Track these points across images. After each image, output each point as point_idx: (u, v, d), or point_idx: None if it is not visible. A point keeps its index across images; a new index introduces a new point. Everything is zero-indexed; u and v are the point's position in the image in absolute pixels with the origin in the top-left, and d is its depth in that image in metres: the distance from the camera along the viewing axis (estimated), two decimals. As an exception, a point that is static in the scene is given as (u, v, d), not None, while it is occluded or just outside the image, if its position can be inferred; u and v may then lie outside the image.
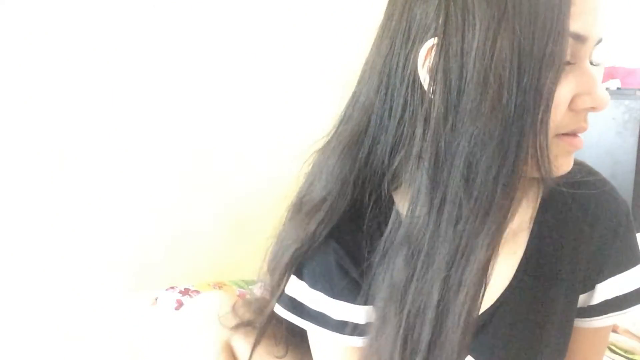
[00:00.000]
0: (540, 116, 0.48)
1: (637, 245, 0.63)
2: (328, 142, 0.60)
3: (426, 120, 0.51)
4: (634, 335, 1.16)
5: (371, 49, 0.57)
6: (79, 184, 1.21)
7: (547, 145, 0.49)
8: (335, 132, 0.60)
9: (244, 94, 1.39)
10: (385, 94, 0.54)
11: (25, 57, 1.13)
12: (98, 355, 1.18)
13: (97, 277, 1.24)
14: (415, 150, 0.52)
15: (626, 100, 1.71)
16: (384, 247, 0.57)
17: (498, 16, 0.47)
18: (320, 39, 1.44)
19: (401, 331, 0.55)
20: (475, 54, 0.47)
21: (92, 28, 1.19)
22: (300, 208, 0.61)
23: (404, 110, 0.54)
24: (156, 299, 1.16)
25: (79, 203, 1.21)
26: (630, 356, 1.10)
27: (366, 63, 0.57)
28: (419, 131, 0.52)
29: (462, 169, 0.49)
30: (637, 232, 0.65)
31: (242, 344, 0.77)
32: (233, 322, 0.75)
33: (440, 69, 0.49)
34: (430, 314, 0.53)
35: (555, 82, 0.48)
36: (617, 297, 0.63)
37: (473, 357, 0.60)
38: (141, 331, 1.11)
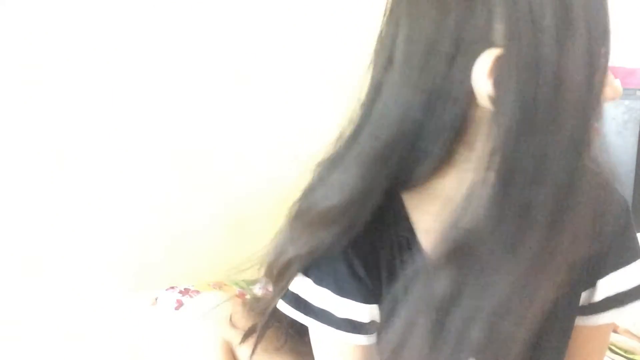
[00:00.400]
0: (597, 113, 0.51)
1: (637, 240, 0.63)
2: (346, 151, 0.59)
3: (490, 131, 0.50)
4: (634, 335, 1.16)
5: (392, 63, 0.55)
6: (79, 184, 1.21)
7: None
8: (354, 142, 0.58)
9: (243, 94, 1.39)
10: (426, 108, 0.53)
11: (25, 57, 1.13)
12: (98, 355, 1.18)
13: (97, 277, 1.24)
14: (476, 164, 0.52)
15: (626, 100, 1.71)
16: (413, 257, 0.57)
17: (564, 22, 0.48)
18: (320, 39, 1.44)
19: (443, 343, 0.54)
20: (547, 60, 0.47)
21: (92, 28, 1.19)
22: (311, 215, 0.60)
23: (445, 123, 0.53)
24: (156, 299, 1.16)
25: (79, 203, 1.21)
26: (630, 356, 1.10)
27: (389, 76, 0.55)
28: (477, 144, 0.52)
29: (534, 176, 0.49)
30: (638, 232, 0.65)
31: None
32: (237, 337, 0.75)
33: (511, 79, 0.48)
34: (480, 325, 0.53)
35: (605, 79, 0.51)
36: (618, 293, 0.63)
37: (476, 358, 0.60)
38: (141, 331, 1.10)
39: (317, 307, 0.62)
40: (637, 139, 1.71)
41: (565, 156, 0.49)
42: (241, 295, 1.20)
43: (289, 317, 0.65)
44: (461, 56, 0.50)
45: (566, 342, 0.65)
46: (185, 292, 1.18)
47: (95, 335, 1.19)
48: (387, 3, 0.57)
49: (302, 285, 0.63)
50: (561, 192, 0.50)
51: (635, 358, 1.10)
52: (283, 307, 0.64)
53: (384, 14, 0.57)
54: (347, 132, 0.59)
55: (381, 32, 0.57)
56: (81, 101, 1.20)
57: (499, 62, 0.49)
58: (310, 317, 0.63)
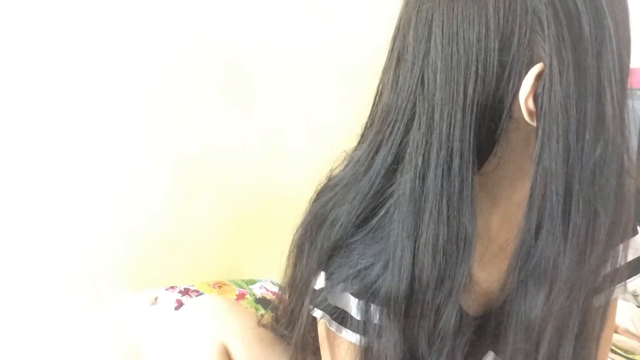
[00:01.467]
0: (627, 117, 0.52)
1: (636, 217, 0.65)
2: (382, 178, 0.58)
3: (547, 150, 0.51)
4: (634, 335, 1.16)
5: (424, 81, 0.54)
6: (78, 183, 1.21)
7: None
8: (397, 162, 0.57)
9: (242, 93, 1.39)
10: (474, 125, 0.52)
11: (25, 57, 1.13)
12: (98, 355, 1.18)
13: (97, 277, 1.24)
14: (537, 184, 0.52)
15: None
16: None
17: (599, 31, 0.49)
18: (318, 38, 1.44)
19: None
20: (589, 71, 0.49)
21: (92, 29, 1.19)
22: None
23: (491, 139, 0.53)
24: (156, 299, 1.16)
25: (79, 203, 1.21)
26: (630, 356, 1.10)
27: (425, 96, 0.54)
28: (508, 157, 0.54)
29: (593, 187, 0.51)
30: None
31: (238, 346, 0.78)
32: (234, 339, 0.75)
33: (555, 94, 0.49)
34: (570, 343, 0.57)
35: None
36: (617, 268, 0.64)
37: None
38: (141, 331, 1.11)
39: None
40: (637, 139, 1.71)
41: (617, 172, 0.51)
42: (241, 296, 1.20)
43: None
44: (507, 74, 0.51)
45: (606, 319, 0.66)
46: (185, 292, 1.18)
47: (95, 335, 1.19)
48: (408, 20, 0.56)
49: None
50: (618, 193, 0.52)
51: (635, 358, 1.10)
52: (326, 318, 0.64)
53: (404, 31, 0.56)
54: (370, 150, 0.59)
55: (404, 49, 0.56)
56: (81, 101, 1.20)
57: (541, 77, 0.49)
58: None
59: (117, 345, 1.16)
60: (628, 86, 0.53)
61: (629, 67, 0.52)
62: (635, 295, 1.34)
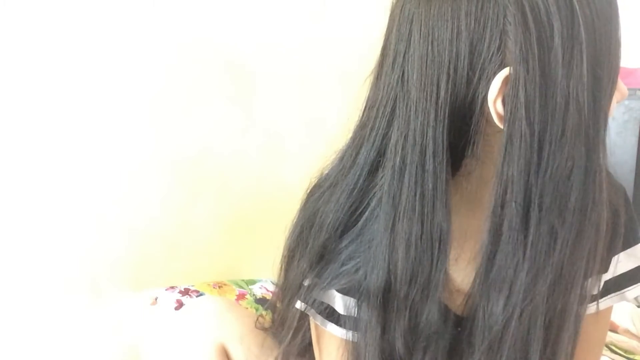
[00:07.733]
0: (605, 129, 0.52)
1: (637, 226, 0.65)
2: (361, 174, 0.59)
3: (509, 156, 0.50)
4: (634, 335, 1.16)
5: (404, 78, 0.54)
6: (78, 183, 1.21)
7: None
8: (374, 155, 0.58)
9: (242, 93, 1.39)
10: (445, 125, 0.53)
11: (26, 58, 1.13)
12: (98, 355, 1.18)
13: (97, 277, 1.24)
14: (498, 190, 0.52)
15: (626, 100, 1.71)
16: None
17: (570, 42, 0.48)
18: (319, 39, 1.44)
19: None
20: (557, 81, 0.48)
21: (93, 29, 1.19)
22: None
23: (464, 139, 0.53)
24: (156, 299, 1.16)
25: (79, 203, 1.21)
26: (630, 356, 1.10)
27: (404, 93, 0.55)
28: (486, 159, 0.53)
29: (554, 198, 0.50)
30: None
31: (236, 347, 0.78)
32: (232, 341, 0.76)
33: (519, 98, 0.49)
34: (536, 354, 0.56)
35: (612, 94, 0.52)
36: (615, 277, 0.64)
37: None
38: (141, 331, 1.11)
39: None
40: (637, 139, 1.71)
41: (582, 185, 0.50)
42: (241, 296, 1.20)
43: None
44: (477, 77, 0.51)
45: (578, 332, 0.65)
46: (185, 292, 1.18)
47: (95, 334, 1.19)
48: (393, 18, 0.56)
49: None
50: (583, 206, 0.51)
51: (635, 358, 1.10)
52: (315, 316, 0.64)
53: (389, 29, 0.57)
54: (355, 144, 0.59)
55: (388, 46, 0.56)
56: (81, 101, 1.20)
57: (508, 82, 0.49)
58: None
59: (117, 345, 1.16)
60: (611, 98, 0.52)
61: (609, 82, 0.51)
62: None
